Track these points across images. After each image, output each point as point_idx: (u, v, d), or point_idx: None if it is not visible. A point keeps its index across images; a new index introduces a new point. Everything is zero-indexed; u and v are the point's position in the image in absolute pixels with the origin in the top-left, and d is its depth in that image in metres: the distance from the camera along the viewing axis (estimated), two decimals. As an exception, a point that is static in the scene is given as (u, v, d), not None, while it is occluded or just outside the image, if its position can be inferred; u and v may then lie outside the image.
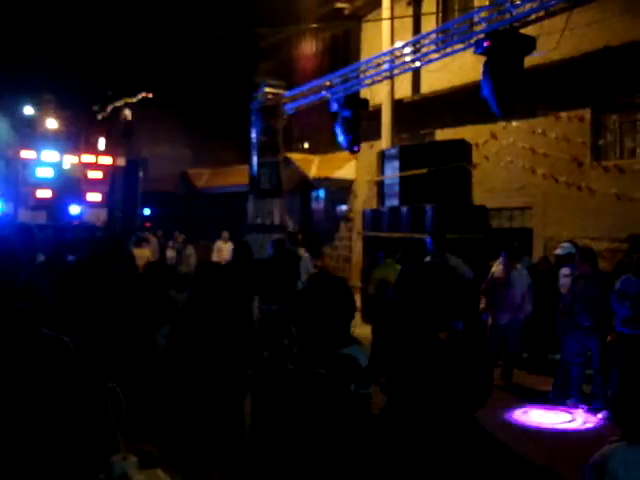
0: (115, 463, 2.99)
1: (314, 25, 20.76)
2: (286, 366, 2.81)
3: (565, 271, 10.63)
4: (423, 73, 18.14)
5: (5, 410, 2.21)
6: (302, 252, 12.73)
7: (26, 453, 2.22)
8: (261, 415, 2.90)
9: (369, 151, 19.54)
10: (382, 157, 16.10)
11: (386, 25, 18.08)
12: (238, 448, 4.20)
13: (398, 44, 15.16)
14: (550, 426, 8.28)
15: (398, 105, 18.47)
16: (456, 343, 2.23)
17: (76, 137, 36.39)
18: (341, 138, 15.54)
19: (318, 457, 2.47)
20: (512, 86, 10.42)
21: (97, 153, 27.04)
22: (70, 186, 24.10)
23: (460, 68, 15.79)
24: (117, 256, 7.92)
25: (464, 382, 2.13)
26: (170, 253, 19.44)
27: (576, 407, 8.92)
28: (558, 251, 10.93)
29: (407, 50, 13.79)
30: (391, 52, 14.55)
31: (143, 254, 17.58)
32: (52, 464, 2.28)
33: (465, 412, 2.17)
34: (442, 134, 18.13)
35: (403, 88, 18.61)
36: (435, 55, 13.06)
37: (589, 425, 8.31)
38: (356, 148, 15.93)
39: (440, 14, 18.61)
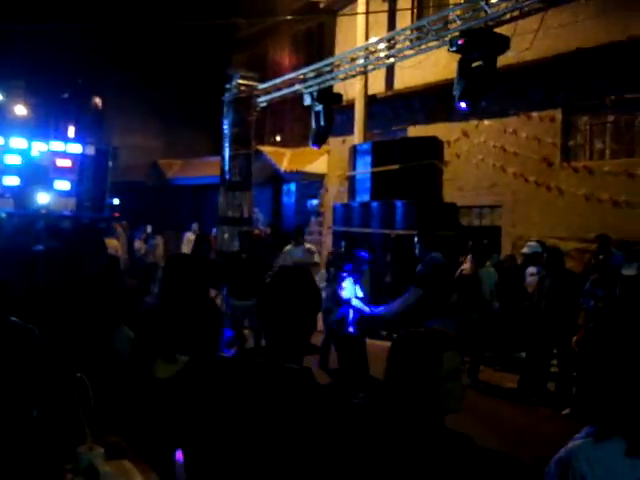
0: (82, 454, 2.95)
1: (289, 17, 20.68)
2: (255, 360, 2.78)
3: (531, 270, 10.77)
4: (397, 69, 18.14)
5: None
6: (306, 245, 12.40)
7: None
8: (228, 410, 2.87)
9: (341, 146, 19.54)
10: (354, 152, 16.12)
11: (361, 20, 18.07)
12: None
13: (373, 39, 15.16)
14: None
15: (371, 100, 18.49)
16: None
17: (45, 124, 35.95)
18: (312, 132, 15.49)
19: (291, 453, 2.46)
20: (482, 83, 10.44)
21: (66, 141, 26.68)
22: (38, 174, 23.75)
23: (434, 65, 15.84)
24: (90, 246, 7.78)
25: None
26: (138, 244, 19.32)
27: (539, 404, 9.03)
28: (525, 250, 11.06)
29: (381, 46, 13.80)
30: (365, 47, 14.55)
31: (111, 244, 17.45)
32: (17, 452, 2.25)
33: None
34: (414, 131, 18.17)
35: (377, 84, 18.62)
36: (410, 52, 13.07)
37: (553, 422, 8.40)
38: (315, 146, 15.83)
39: (415, 10, 18.63)
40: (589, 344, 8.71)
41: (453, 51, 10.95)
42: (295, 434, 2.53)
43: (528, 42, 12.26)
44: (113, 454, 3.17)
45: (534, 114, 15.52)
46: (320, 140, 15.62)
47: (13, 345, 2.32)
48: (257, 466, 2.50)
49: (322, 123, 14.94)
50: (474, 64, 10.32)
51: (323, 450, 2.37)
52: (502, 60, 11.13)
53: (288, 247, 12.00)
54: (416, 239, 9.42)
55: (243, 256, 11.07)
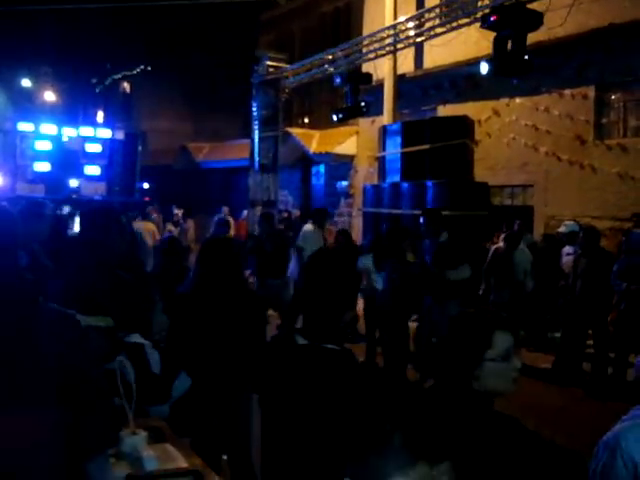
0: (124, 438, 2.96)
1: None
2: (295, 341, 2.78)
3: (568, 249, 10.63)
4: (426, 48, 17.96)
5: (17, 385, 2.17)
6: (309, 225, 12.41)
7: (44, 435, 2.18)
8: (271, 393, 2.87)
9: (370, 126, 19.43)
10: (384, 133, 16.00)
11: (389, -2, 17.90)
12: (245, 426, 4.19)
13: (401, 18, 15.00)
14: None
15: (400, 80, 18.33)
16: None
17: (74, 110, 36.21)
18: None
19: (335, 435, 2.44)
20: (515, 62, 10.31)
21: (95, 126, 26.87)
22: (68, 159, 23.96)
23: (463, 43, 15.64)
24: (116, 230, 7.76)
25: None
26: (170, 227, 19.41)
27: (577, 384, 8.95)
28: (561, 229, 10.93)
29: (410, 24, 13.66)
30: (394, 26, 14.41)
31: (149, 228, 17.54)
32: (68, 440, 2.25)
33: None
34: (444, 110, 18.01)
35: (406, 63, 18.44)
36: (439, 30, 12.92)
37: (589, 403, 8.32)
38: (340, 116, 15.75)
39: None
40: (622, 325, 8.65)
41: (485, 28, 10.79)
42: (343, 414, 2.51)
43: (559, 18, 12.07)
44: (155, 438, 3.18)
45: (566, 91, 15.31)
46: (346, 117, 15.60)
47: (55, 332, 2.31)
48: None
49: (352, 103, 14.90)
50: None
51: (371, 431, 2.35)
52: (533, 37, 10.98)
53: (309, 227, 11.87)
54: (422, 218, 9.12)
55: (263, 237, 11.13)
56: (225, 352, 4.13)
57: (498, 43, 10.29)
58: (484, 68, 10.75)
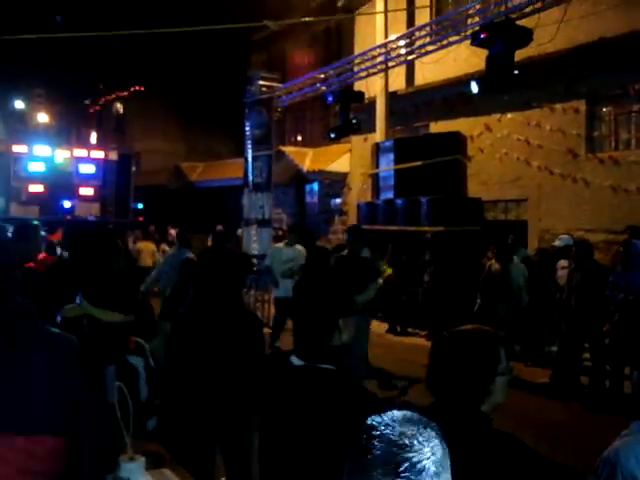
0: (122, 463, 2.95)
1: (308, 19, 20.63)
2: (289, 362, 2.77)
3: (563, 263, 10.65)
4: (417, 65, 18.05)
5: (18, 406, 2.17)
6: (279, 243, 12.63)
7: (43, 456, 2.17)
8: (269, 414, 2.87)
9: (363, 144, 19.49)
10: (377, 150, 16.09)
11: (380, 17, 17.99)
12: (245, 446, 4.17)
13: (392, 37, 15.10)
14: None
15: (392, 97, 18.42)
16: None
17: (68, 131, 36.25)
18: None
19: (332, 454, 2.44)
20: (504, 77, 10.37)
21: (89, 147, 26.87)
22: (62, 180, 23.93)
23: (454, 60, 15.73)
24: (111, 250, 7.73)
25: None
26: (164, 247, 19.42)
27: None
28: (556, 243, 10.96)
29: (401, 43, 13.74)
30: (385, 45, 14.49)
31: (149, 247, 17.66)
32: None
33: None
34: (436, 127, 18.09)
35: (397, 80, 18.54)
36: (430, 48, 13.00)
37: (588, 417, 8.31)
38: (333, 135, 15.85)
39: (433, 7, 18.58)
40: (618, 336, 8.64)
41: (475, 45, 10.86)
42: (341, 435, 2.51)
43: (549, 34, 12.13)
44: (154, 463, 3.17)
45: (557, 106, 15.39)
46: (340, 135, 15.69)
47: (54, 355, 2.30)
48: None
49: (344, 122, 14.98)
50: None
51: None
52: (524, 52, 11.05)
53: (280, 245, 12.01)
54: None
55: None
56: (220, 370, 4.13)
57: (490, 61, 10.34)
58: (474, 87, 10.81)
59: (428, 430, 1.40)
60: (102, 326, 3.59)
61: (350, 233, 9.42)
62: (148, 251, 17.57)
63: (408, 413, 1.43)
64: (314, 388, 2.65)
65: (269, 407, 2.85)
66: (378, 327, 11.59)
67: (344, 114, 15.10)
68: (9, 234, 6.11)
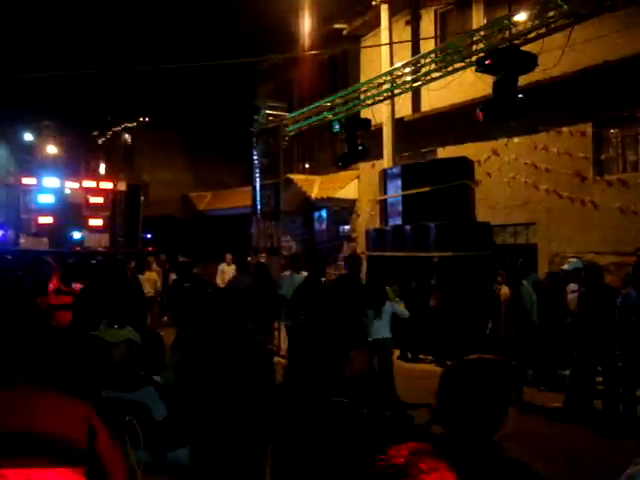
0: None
1: (314, 52, 20.83)
2: (302, 395, 2.77)
3: (573, 287, 10.63)
4: (423, 91, 18.15)
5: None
6: (285, 271, 12.86)
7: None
8: (281, 445, 2.86)
9: (371, 170, 19.55)
10: (384, 176, 16.11)
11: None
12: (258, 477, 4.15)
13: (398, 64, 15.18)
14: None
15: (399, 124, 18.51)
16: None
17: (76, 162, 36.49)
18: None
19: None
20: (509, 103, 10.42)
21: (98, 178, 27.01)
22: (71, 212, 24.03)
23: (460, 86, 15.80)
24: (119, 282, 7.81)
25: None
26: (174, 276, 19.45)
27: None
28: (565, 266, 10.92)
29: (407, 70, 13.81)
30: (391, 72, 14.56)
31: (151, 277, 17.83)
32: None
33: None
34: (444, 152, 18.15)
35: (404, 107, 18.66)
36: (435, 74, 13.06)
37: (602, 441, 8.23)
38: (340, 164, 15.96)
39: (438, 35, 18.76)
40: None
41: (480, 71, 10.92)
42: (348, 466, 2.51)
43: (554, 58, 12.18)
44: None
45: (564, 129, 15.43)
46: (348, 163, 15.78)
47: (68, 389, 2.31)
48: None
49: (351, 149, 15.03)
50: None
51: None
52: (529, 77, 11.10)
53: (287, 273, 12.29)
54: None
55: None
56: (229, 401, 4.12)
57: (497, 87, 10.39)
58: (480, 115, 10.85)
59: None
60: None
61: (348, 261, 9.69)
62: (150, 281, 17.82)
63: None
64: (324, 420, 2.65)
65: (281, 438, 2.85)
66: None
67: (351, 141, 15.14)
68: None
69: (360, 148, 15.21)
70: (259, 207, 17.01)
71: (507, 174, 16.55)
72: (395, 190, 15.44)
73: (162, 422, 3.37)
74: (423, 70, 13.16)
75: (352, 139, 15.10)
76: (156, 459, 3.33)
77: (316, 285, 10.18)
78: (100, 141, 37.60)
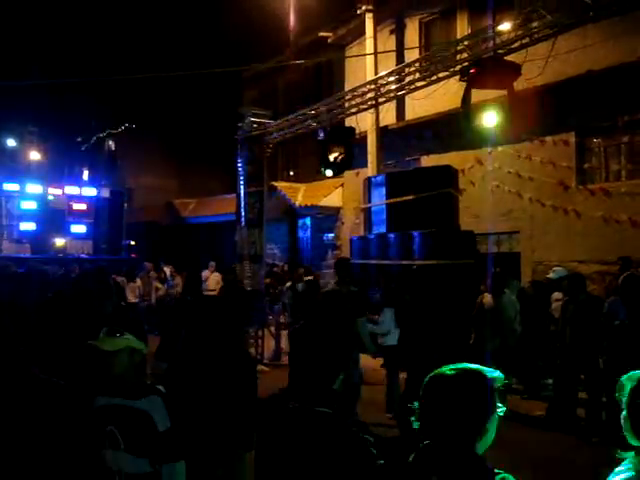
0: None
1: (299, 62, 20.86)
2: (287, 404, 2.76)
3: (557, 295, 10.66)
4: (407, 100, 18.16)
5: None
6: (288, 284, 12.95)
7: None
8: (265, 455, 2.85)
9: (355, 178, 19.57)
10: (368, 184, 16.12)
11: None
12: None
13: (382, 73, 15.19)
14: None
15: (383, 132, 18.55)
16: None
17: (60, 169, 36.23)
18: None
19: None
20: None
21: (81, 185, 26.88)
22: (54, 218, 23.92)
23: (444, 94, 15.78)
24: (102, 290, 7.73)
25: None
26: (157, 284, 19.38)
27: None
28: (550, 275, 10.99)
29: (391, 79, 13.82)
30: (375, 81, 14.57)
31: (135, 285, 17.82)
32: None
33: None
34: (428, 160, 18.19)
35: (388, 115, 18.67)
36: (420, 83, 13.08)
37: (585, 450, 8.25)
38: (328, 172, 15.84)
39: (422, 45, 18.82)
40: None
41: (464, 81, 10.95)
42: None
43: (537, 68, 12.24)
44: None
45: (548, 138, 15.51)
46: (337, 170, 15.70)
47: (42, 400, 2.29)
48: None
49: (336, 158, 14.94)
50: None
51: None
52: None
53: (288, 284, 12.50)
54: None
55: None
56: (212, 410, 4.10)
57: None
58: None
59: None
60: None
61: (338, 267, 9.66)
62: (134, 288, 17.88)
63: None
64: (307, 430, 2.63)
65: (264, 448, 2.84)
66: (375, 361, 11.51)
67: (337, 149, 15.05)
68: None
69: (342, 157, 15.10)
70: (243, 214, 16.95)
71: (491, 183, 16.58)
72: (379, 198, 15.45)
73: (164, 432, 3.35)
74: (407, 79, 13.17)
75: (339, 147, 15.01)
76: (153, 470, 3.31)
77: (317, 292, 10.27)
78: (84, 147, 37.42)
